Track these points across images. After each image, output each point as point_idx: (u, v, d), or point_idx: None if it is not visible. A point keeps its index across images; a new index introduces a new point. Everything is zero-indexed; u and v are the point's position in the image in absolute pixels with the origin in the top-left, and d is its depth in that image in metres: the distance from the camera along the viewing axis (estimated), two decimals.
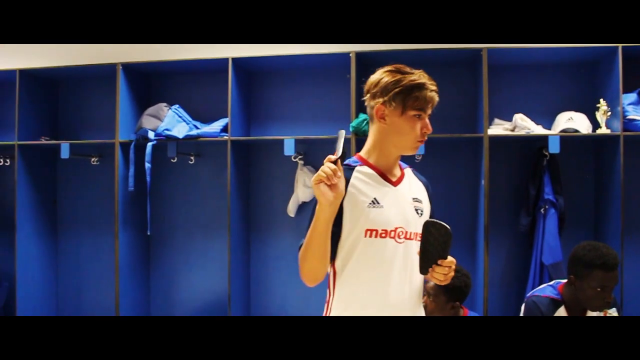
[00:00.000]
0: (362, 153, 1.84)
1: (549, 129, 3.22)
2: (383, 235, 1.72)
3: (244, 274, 3.54)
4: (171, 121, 3.37)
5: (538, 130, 3.16)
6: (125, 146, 3.40)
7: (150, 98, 3.65)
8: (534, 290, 2.70)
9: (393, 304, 1.73)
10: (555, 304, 2.54)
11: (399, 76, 1.73)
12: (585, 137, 3.14)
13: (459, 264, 2.61)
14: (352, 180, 1.74)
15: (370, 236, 1.72)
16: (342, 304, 1.76)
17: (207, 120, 3.49)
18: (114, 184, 3.38)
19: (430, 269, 1.68)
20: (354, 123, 3.11)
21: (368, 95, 1.80)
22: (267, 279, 3.63)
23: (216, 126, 3.36)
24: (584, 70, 3.35)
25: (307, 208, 3.52)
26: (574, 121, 3.11)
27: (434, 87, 1.75)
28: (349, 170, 1.77)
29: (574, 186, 3.31)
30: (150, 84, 3.72)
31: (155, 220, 3.58)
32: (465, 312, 2.79)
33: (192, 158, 3.60)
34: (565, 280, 2.55)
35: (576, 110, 3.17)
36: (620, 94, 2.98)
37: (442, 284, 1.74)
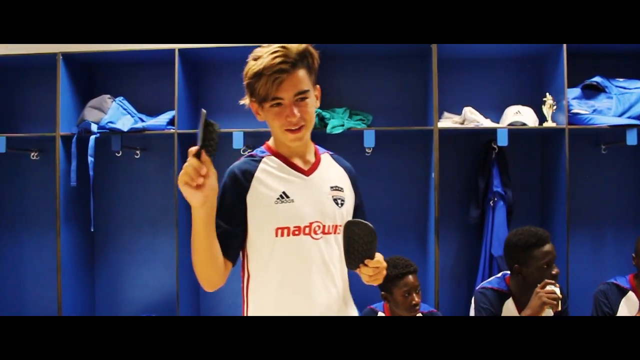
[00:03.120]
0: (270, 141, 1.68)
1: (498, 122, 3.26)
2: (296, 232, 1.56)
3: (193, 271, 3.44)
4: (115, 113, 3.24)
5: (487, 123, 3.19)
6: (66, 140, 3.25)
7: (93, 90, 3.50)
8: (483, 282, 2.73)
9: (319, 307, 1.58)
10: (502, 296, 2.58)
11: (248, 65, 1.55)
12: (533, 131, 3.19)
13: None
14: (257, 174, 1.58)
15: (282, 235, 1.56)
16: (259, 311, 1.60)
17: (154, 113, 3.38)
18: (55, 179, 3.22)
19: (357, 267, 1.54)
20: None
21: None
22: None
23: (162, 119, 3.26)
24: (531, 65, 3.41)
25: None
26: (521, 114, 3.16)
27: (280, 68, 1.49)
28: (254, 162, 1.62)
29: (521, 178, 3.37)
30: (93, 75, 3.57)
31: (99, 217, 3.45)
32: None
33: (137, 152, 3.49)
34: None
35: (523, 104, 3.22)
36: (565, 89, 3.04)
37: (373, 283, 1.59)
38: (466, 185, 3.37)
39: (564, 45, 3.02)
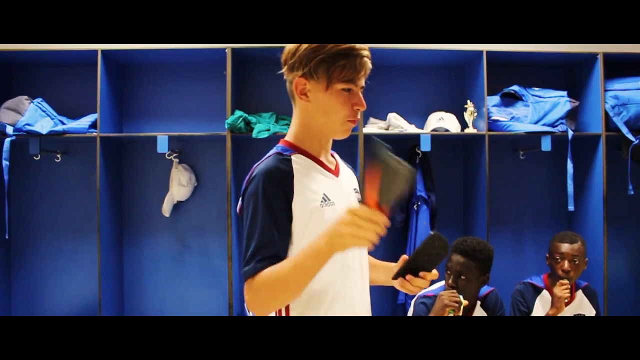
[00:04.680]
0: (290, 138, 1.52)
1: (422, 128, 3.34)
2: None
3: (117, 277, 3.36)
4: (33, 115, 3.12)
5: (411, 129, 3.27)
6: None
7: (10, 90, 3.35)
8: (425, 290, 2.68)
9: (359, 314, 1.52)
10: None
11: (312, 47, 1.43)
12: (455, 136, 3.29)
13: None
14: (295, 175, 1.42)
15: None
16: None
17: (75, 116, 3.26)
18: None
19: (403, 278, 1.47)
20: (229, 120, 3.05)
21: (285, 67, 1.48)
22: (142, 282, 3.46)
23: (84, 122, 3.15)
24: (453, 73, 3.53)
25: (183, 207, 3.42)
26: (444, 121, 3.26)
27: (365, 53, 1.43)
28: (286, 161, 1.44)
29: (444, 182, 3.47)
30: (10, 75, 3.41)
31: (17, 223, 3.31)
32: None
33: (58, 156, 3.37)
34: None
35: (446, 111, 3.32)
36: (485, 96, 3.16)
37: (410, 292, 1.52)
38: None
39: (484, 54, 3.14)
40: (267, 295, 1.34)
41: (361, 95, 1.47)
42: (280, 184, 1.40)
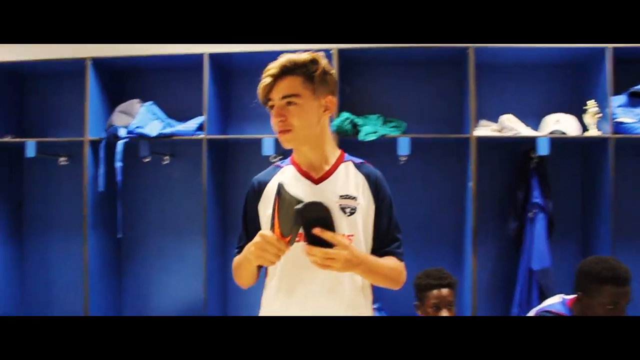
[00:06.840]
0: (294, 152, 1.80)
1: (535, 130, 3.13)
2: (298, 239, 1.56)
3: (221, 278, 3.38)
4: (144, 118, 3.20)
5: (526, 131, 3.07)
6: (95, 144, 3.22)
7: (123, 94, 3.47)
8: (544, 305, 2.45)
9: (322, 312, 1.65)
10: None
11: None
12: (575, 140, 3.06)
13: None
14: (270, 182, 1.72)
15: None
16: (266, 312, 1.75)
17: (183, 118, 3.33)
18: (83, 185, 3.20)
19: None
20: (336, 122, 2.99)
21: None
22: None
23: (192, 124, 3.20)
24: (572, 72, 3.28)
25: None
26: (561, 123, 3.04)
27: (272, 71, 1.63)
28: (274, 171, 1.77)
29: (561, 190, 3.22)
30: (123, 80, 3.54)
31: (127, 223, 3.42)
32: None
33: (166, 157, 3.44)
34: (574, 296, 2.33)
35: (562, 112, 3.09)
36: (610, 96, 2.90)
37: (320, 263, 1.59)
38: (503, 196, 3.24)
39: (608, 49, 2.89)
40: (234, 269, 1.76)
41: (281, 109, 1.62)
42: (253, 192, 1.76)
